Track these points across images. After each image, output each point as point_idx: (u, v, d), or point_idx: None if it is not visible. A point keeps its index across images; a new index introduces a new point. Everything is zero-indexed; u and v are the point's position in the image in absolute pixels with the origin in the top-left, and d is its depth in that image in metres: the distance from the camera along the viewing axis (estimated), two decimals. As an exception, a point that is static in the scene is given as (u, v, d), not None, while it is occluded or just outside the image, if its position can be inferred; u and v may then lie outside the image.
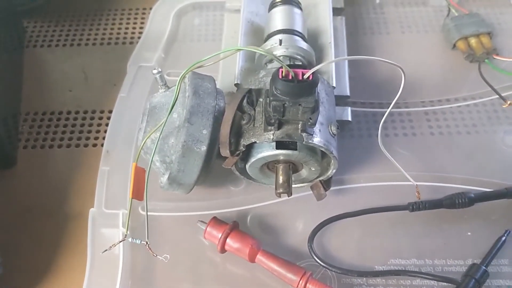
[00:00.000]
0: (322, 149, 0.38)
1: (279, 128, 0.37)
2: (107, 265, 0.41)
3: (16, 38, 0.59)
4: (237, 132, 0.38)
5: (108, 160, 0.47)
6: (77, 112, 0.53)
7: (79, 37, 0.60)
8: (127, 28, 0.61)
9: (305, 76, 0.34)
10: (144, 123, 0.40)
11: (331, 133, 0.39)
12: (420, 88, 0.53)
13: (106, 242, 0.41)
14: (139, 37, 0.59)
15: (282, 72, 0.35)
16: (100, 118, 0.52)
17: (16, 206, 0.46)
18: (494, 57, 0.54)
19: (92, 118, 0.52)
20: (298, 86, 0.34)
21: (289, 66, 0.36)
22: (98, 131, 0.51)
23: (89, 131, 0.51)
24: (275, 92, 0.35)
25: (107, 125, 0.50)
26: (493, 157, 0.47)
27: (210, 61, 0.35)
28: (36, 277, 0.42)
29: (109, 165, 0.46)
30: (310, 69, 0.35)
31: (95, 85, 0.55)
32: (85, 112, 0.53)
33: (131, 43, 0.60)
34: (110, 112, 0.51)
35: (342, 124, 0.48)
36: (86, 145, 0.50)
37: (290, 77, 0.35)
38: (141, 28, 0.61)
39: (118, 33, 0.61)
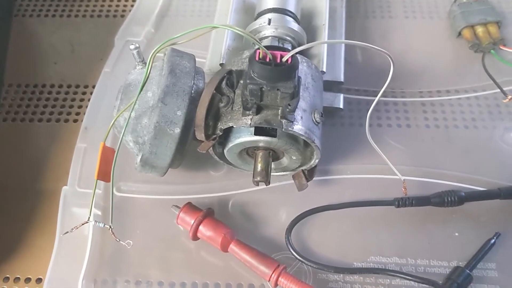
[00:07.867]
0: (303, 138, 0.36)
1: (257, 113, 0.34)
2: (75, 246, 0.39)
3: (5, 6, 0.57)
4: (215, 115, 0.36)
5: (86, 137, 0.45)
6: (60, 86, 0.51)
7: (69, 7, 0.58)
8: (119, 0, 0.59)
9: (284, 59, 0.32)
10: (118, 101, 0.38)
11: (314, 121, 0.37)
12: (419, 77, 0.50)
13: (76, 221, 0.39)
14: (130, 10, 0.56)
15: (259, 53, 0.32)
16: (84, 93, 0.50)
17: (-11, 180, 0.44)
18: (501, 47, 0.50)
19: (75, 93, 0.50)
20: (276, 70, 0.32)
21: (272, 48, 0.33)
22: (80, 107, 0.49)
23: (71, 106, 0.49)
24: (252, 75, 0.33)
25: (89, 100, 0.48)
26: (490, 155, 0.44)
27: (184, 38, 0.33)
28: (3, 253, 0.40)
29: (86, 142, 0.45)
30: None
31: (82, 59, 0.53)
32: (69, 86, 0.51)
33: (122, 16, 0.57)
34: (94, 87, 0.49)
35: (333, 112, 0.46)
36: (66, 120, 0.48)
37: (268, 60, 0.32)
38: (133, 0, 0.59)
39: (110, 5, 0.58)
